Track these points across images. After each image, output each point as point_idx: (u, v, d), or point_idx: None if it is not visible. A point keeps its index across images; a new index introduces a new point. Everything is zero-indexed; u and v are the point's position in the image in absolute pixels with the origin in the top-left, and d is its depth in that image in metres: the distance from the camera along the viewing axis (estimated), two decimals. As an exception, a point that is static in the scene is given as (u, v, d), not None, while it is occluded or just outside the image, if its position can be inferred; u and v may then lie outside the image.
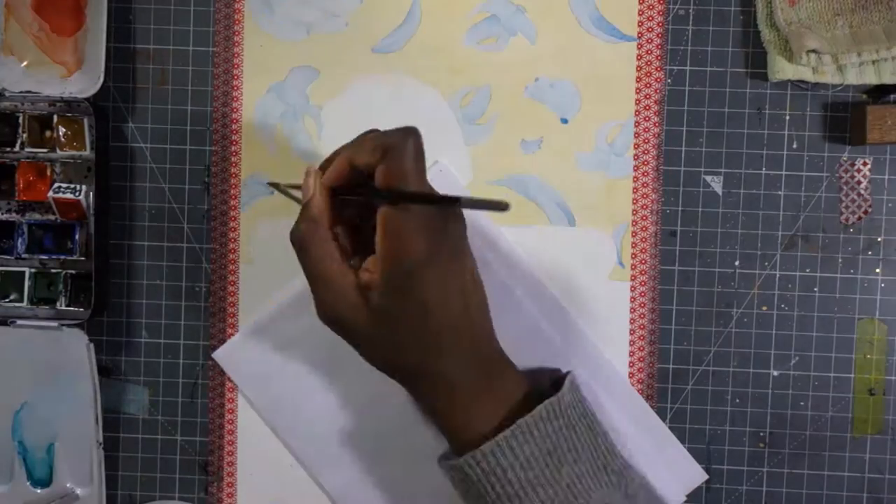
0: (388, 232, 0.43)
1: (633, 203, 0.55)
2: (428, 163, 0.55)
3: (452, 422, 0.47)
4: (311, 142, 0.56)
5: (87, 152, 0.55)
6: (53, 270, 0.56)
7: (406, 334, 0.44)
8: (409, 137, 0.43)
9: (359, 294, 0.44)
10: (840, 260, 0.55)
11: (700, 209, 0.55)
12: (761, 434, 0.55)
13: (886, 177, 0.55)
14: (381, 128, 0.46)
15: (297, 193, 0.47)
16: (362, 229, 0.46)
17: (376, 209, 0.43)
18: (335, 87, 0.56)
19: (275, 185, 0.53)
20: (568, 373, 0.50)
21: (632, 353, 0.55)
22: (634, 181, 0.55)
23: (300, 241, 0.45)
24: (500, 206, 0.37)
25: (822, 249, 0.55)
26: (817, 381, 0.55)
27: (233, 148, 0.56)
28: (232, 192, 0.56)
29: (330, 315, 0.45)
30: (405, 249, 0.42)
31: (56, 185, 0.54)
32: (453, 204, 0.40)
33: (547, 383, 0.51)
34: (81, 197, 0.54)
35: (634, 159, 0.55)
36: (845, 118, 0.55)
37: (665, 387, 0.55)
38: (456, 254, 0.44)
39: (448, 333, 0.44)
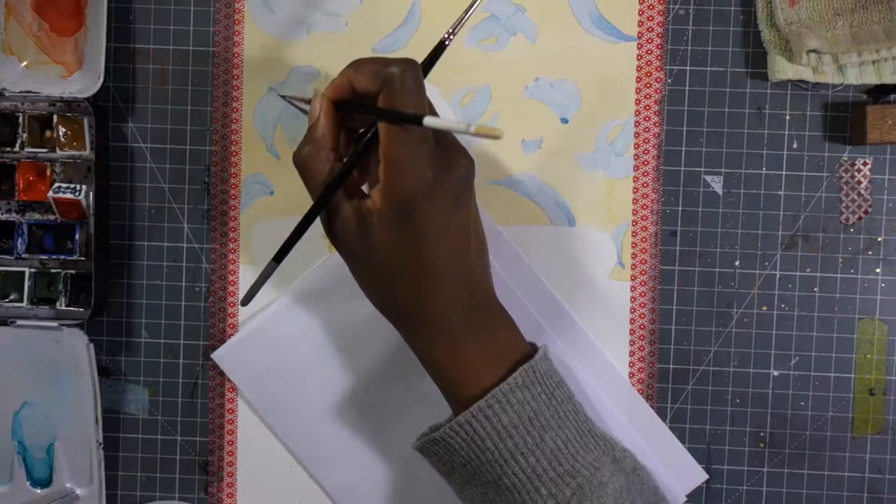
0: (389, 160, 0.42)
1: (633, 203, 0.55)
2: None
3: (450, 375, 0.46)
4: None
5: (87, 152, 0.55)
6: (53, 270, 0.56)
7: (401, 270, 0.43)
8: (409, 69, 0.42)
9: (358, 221, 0.43)
10: (840, 260, 0.55)
11: (700, 209, 0.55)
12: (761, 434, 0.55)
13: (886, 177, 0.55)
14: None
15: (307, 107, 0.46)
16: (371, 160, 0.45)
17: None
18: (335, 87, 0.56)
19: (284, 97, 0.54)
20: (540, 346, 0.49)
21: (632, 353, 0.55)
22: (634, 181, 0.55)
23: (302, 162, 0.44)
24: (493, 135, 0.37)
25: (822, 249, 0.55)
26: (817, 381, 0.55)
27: (233, 148, 0.56)
28: (232, 192, 0.56)
29: (333, 237, 0.45)
30: (406, 178, 0.41)
31: (56, 185, 0.54)
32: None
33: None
34: (81, 197, 0.54)
35: (634, 159, 0.55)
36: (845, 118, 0.55)
37: (665, 387, 0.55)
38: (460, 197, 0.43)
39: (445, 277, 0.44)
